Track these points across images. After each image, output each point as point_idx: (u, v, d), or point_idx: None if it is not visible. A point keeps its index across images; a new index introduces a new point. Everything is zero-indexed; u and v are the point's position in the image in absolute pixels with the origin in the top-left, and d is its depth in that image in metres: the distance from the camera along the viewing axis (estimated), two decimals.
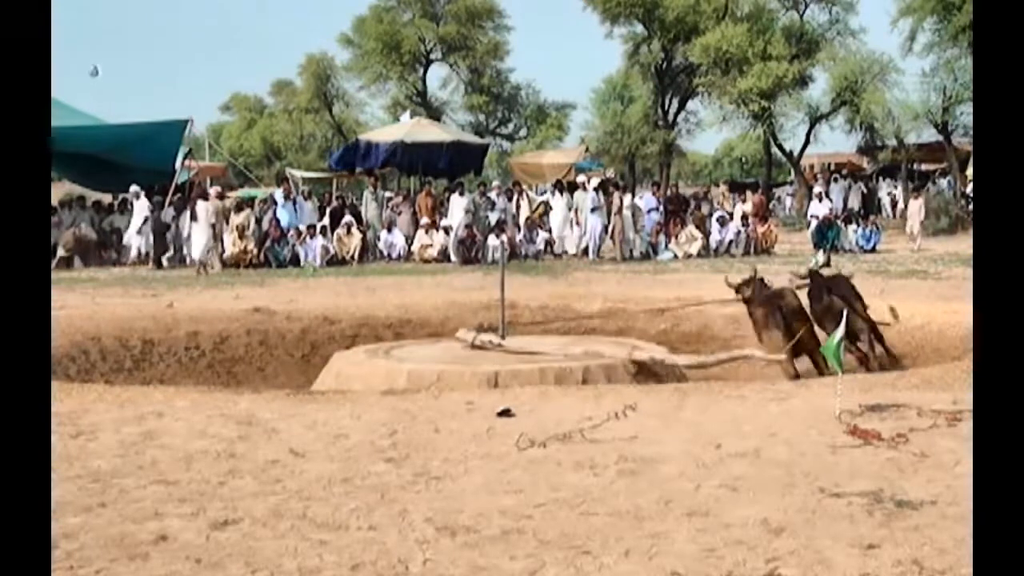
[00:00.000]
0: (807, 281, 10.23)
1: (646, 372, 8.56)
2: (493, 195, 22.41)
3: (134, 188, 21.02)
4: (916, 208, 23.44)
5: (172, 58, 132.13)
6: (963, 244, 20.89)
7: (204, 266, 18.95)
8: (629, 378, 8.13)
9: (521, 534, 3.85)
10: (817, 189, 26.65)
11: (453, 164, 24.76)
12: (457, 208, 21.53)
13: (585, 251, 21.50)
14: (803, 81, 32.53)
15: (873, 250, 21.86)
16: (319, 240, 20.44)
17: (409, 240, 21.51)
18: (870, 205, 29.10)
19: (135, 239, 20.94)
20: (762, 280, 9.98)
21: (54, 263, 18.72)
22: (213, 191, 20.40)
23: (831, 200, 25.99)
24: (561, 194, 23.14)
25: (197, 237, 19.47)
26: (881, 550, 3.61)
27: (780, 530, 3.83)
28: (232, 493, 4.46)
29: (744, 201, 24.74)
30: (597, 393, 6.82)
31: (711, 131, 37.82)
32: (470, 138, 29.29)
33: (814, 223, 22.94)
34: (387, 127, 29.96)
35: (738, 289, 10.00)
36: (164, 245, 20.35)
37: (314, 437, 5.53)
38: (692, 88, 35.71)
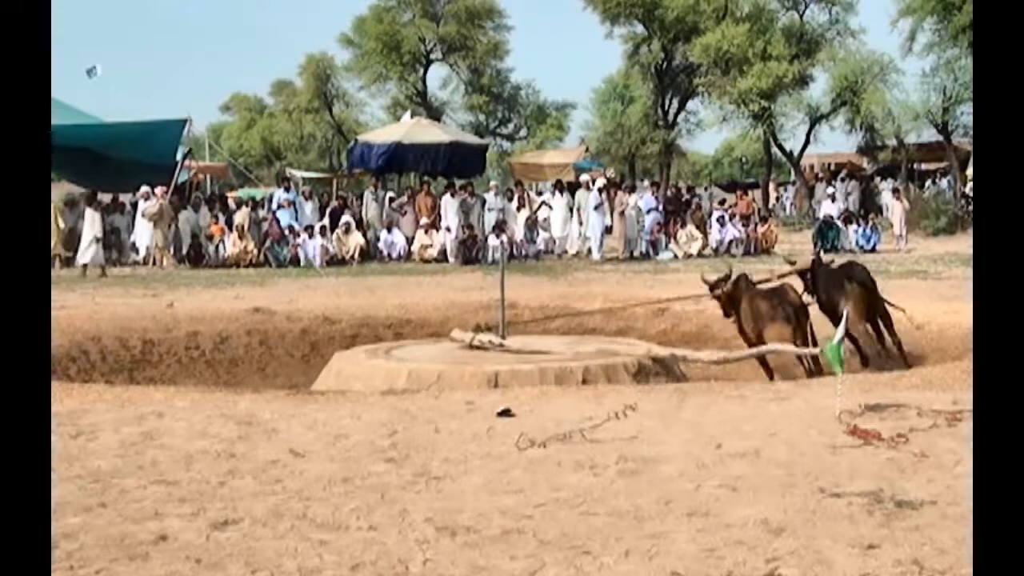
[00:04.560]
0: (795, 268, 10.25)
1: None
2: (490, 195, 22.42)
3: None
4: (900, 209, 23.62)
5: (172, 58, 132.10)
6: (963, 244, 20.90)
7: (155, 262, 19.59)
8: (629, 378, 8.13)
9: (521, 534, 3.85)
10: (830, 190, 26.73)
11: (452, 165, 24.69)
12: (450, 209, 21.54)
13: (589, 251, 21.53)
14: (803, 81, 32.52)
15: (873, 250, 21.88)
16: (319, 240, 20.44)
17: (410, 240, 21.51)
18: (870, 205, 29.12)
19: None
20: (747, 276, 9.99)
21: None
22: (159, 190, 20.37)
23: (846, 200, 26.19)
24: (561, 194, 23.15)
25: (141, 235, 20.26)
26: (881, 550, 3.61)
27: (780, 530, 3.83)
28: (232, 493, 4.45)
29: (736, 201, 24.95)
30: (597, 393, 6.82)
31: (711, 131, 37.84)
32: (469, 138, 29.23)
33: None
34: (386, 127, 29.93)
35: (715, 286, 9.96)
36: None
37: (314, 437, 5.53)
38: (692, 88, 35.71)
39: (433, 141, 24.57)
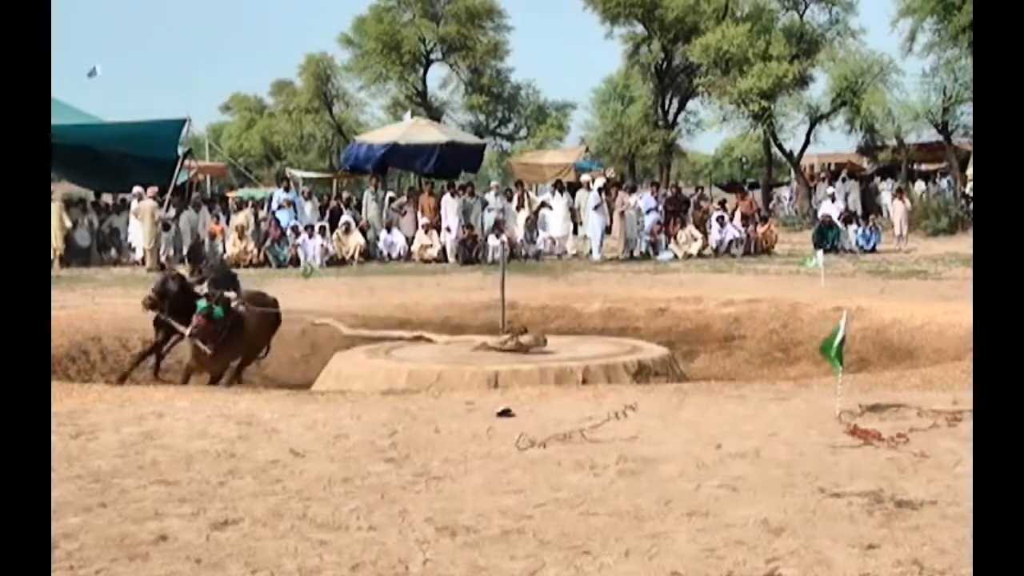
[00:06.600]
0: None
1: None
2: (490, 195, 22.41)
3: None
4: (901, 209, 23.63)
5: (172, 58, 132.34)
6: (963, 244, 20.90)
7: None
8: (629, 378, 8.13)
9: (521, 534, 3.85)
10: (830, 190, 26.74)
11: (446, 165, 24.62)
12: (450, 209, 21.53)
13: (589, 251, 21.53)
14: (803, 81, 32.54)
15: (873, 250, 21.87)
16: (318, 240, 20.44)
17: (410, 240, 21.51)
18: (870, 205, 29.10)
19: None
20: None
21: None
22: (150, 191, 20.36)
23: (846, 200, 26.17)
24: (561, 194, 23.14)
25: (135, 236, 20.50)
26: (881, 550, 3.61)
27: (780, 530, 3.83)
28: (232, 493, 4.45)
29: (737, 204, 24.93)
30: (597, 393, 6.82)
31: (711, 131, 37.98)
32: (468, 138, 29.20)
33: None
34: (385, 128, 29.92)
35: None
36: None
37: (314, 437, 5.53)
38: (692, 88, 35.76)
39: (429, 141, 24.54)
